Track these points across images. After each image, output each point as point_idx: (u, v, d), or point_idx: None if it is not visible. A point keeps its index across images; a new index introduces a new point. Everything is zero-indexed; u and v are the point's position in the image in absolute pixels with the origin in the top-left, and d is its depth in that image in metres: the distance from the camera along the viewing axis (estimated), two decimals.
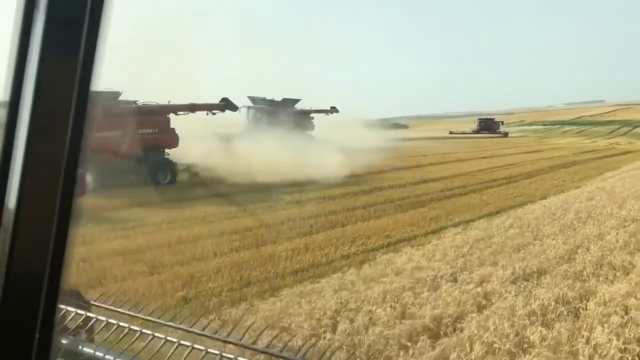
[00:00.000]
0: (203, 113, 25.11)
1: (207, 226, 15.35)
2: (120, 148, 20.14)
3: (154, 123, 22.67)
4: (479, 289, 9.25)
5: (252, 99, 33.06)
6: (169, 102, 24.01)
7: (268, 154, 23.73)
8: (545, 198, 20.47)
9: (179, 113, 23.77)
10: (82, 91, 1.07)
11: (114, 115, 20.60)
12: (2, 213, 1.06)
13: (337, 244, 13.64)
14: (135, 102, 23.50)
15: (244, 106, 32.60)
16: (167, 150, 23.14)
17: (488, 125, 67.56)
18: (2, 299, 1.05)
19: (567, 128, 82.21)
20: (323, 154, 25.87)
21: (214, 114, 25.16)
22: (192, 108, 24.69)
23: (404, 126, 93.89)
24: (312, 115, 34.65)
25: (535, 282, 9.84)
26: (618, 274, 10.70)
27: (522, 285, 9.60)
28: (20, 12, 1.03)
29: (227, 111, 26.04)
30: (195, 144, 23.54)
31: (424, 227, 15.77)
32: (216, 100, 25.71)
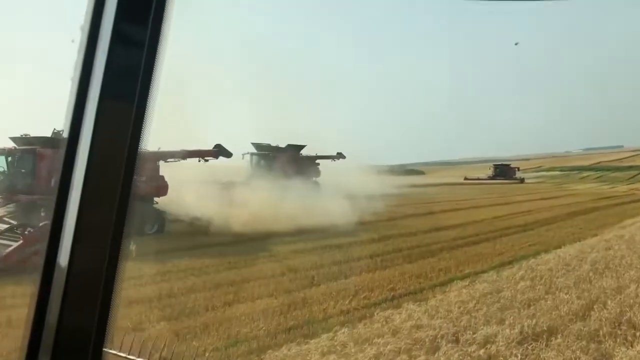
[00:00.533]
0: (212, 160, 24.56)
1: (202, 278, 14.74)
2: None
3: (142, 170, 22.12)
4: (481, 352, 8.48)
5: (256, 145, 32.86)
6: (159, 148, 23.49)
7: (270, 202, 23.09)
8: (560, 247, 19.53)
9: (168, 160, 23.12)
10: (135, 136, 1.12)
11: None
12: (54, 271, 1.12)
13: (337, 297, 12.97)
14: None
15: (247, 153, 32.33)
16: (157, 199, 22.42)
17: (504, 171, 66.63)
18: (53, 352, 1.12)
19: (585, 174, 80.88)
20: (329, 201, 25.23)
21: (206, 160, 24.45)
22: (183, 155, 23.96)
23: (420, 172, 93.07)
24: (317, 161, 34.29)
25: (544, 343, 9.03)
26: (638, 334, 9.80)
27: (529, 347, 8.81)
28: (80, 60, 1.10)
29: (232, 158, 25.57)
30: (193, 191, 22.90)
31: (431, 279, 15.03)
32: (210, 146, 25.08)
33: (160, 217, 22.02)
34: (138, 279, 14.54)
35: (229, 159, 25.80)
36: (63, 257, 1.14)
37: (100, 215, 1.16)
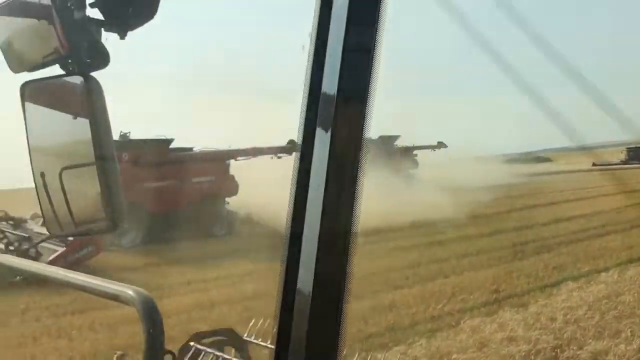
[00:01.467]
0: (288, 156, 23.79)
1: (271, 282, 14.06)
2: (172, 198, 19.50)
3: (210, 170, 21.77)
4: None
5: None
6: (230, 147, 23.09)
7: (363, 197, 22.02)
8: None
9: (238, 158, 22.64)
10: (363, 140, 1.14)
11: (166, 163, 20.09)
12: (297, 285, 1.10)
13: (430, 300, 11.93)
14: (191, 148, 22.86)
15: None
16: (227, 199, 22.07)
17: (638, 155, 61.03)
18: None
19: None
20: (430, 195, 23.80)
21: (279, 157, 23.60)
22: (254, 152, 23.33)
23: (547, 159, 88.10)
24: (415, 152, 32.98)
25: None
26: None
27: None
28: (309, 68, 1.12)
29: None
30: (271, 190, 22.37)
31: (542, 279, 13.54)
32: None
33: (231, 218, 21.67)
34: (225, 278, 14.35)
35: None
36: (306, 270, 1.08)
37: (339, 221, 1.11)
